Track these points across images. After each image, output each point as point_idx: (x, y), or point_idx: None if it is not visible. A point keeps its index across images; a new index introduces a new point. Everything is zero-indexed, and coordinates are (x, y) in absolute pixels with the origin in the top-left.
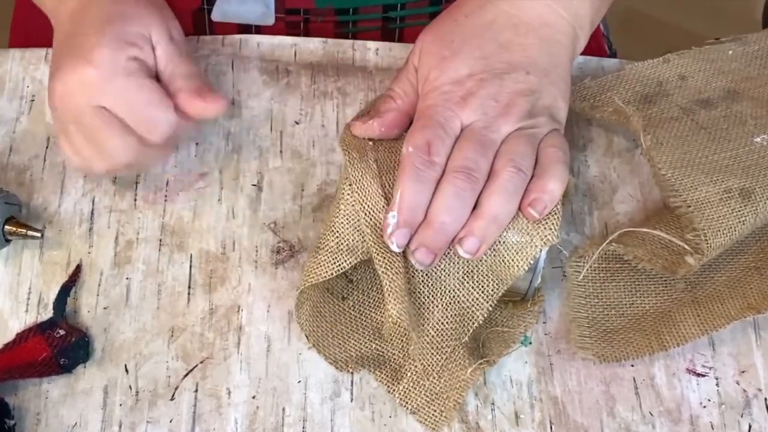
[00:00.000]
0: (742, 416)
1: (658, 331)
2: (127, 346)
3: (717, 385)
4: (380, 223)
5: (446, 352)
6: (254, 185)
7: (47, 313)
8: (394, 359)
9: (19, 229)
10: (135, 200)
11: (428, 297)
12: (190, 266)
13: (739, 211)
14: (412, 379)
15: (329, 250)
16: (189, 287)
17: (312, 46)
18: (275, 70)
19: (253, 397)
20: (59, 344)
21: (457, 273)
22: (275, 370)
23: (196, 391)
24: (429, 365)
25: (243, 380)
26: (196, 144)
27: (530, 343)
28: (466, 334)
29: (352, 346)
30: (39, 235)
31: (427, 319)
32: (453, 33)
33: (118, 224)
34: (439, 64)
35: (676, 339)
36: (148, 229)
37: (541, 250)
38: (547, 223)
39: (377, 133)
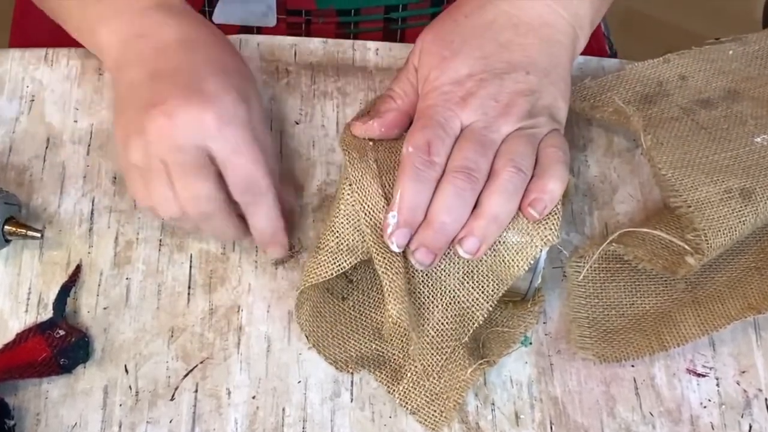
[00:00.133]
0: (742, 416)
1: (659, 332)
2: (127, 347)
3: (717, 385)
4: (380, 223)
5: (446, 352)
6: None
7: (47, 314)
8: (394, 359)
9: (19, 230)
10: (135, 200)
11: (428, 297)
12: (190, 266)
13: (740, 211)
14: (412, 379)
15: (329, 250)
16: (189, 287)
17: (312, 46)
18: (275, 70)
19: (253, 398)
20: (59, 344)
21: (457, 273)
22: (275, 370)
23: (196, 391)
24: (429, 365)
25: (243, 380)
26: None
27: (530, 343)
28: (466, 335)
29: (352, 347)
30: (39, 235)
31: (427, 319)
32: (453, 33)
33: (118, 224)
34: (439, 64)
35: (677, 339)
36: (148, 229)
37: (541, 250)
38: (547, 223)
39: (377, 133)
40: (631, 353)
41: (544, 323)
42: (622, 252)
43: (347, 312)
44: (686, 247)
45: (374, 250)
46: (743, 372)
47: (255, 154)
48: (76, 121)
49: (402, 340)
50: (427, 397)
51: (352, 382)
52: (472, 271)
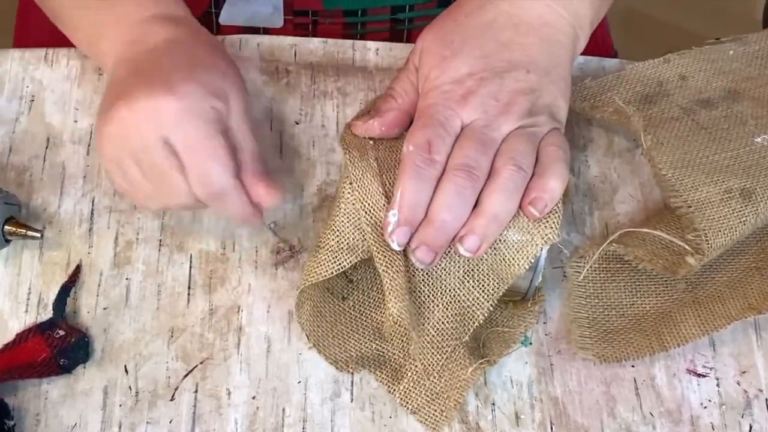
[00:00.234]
0: (742, 417)
1: (659, 332)
2: (126, 347)
3: (718, 385)
4: (381, 222)
5: (447, 351)
6: None
7: (47, 314)
8: (395, 359)
9: (19, 230)
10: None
11: (429, 296)
12: (190, 267)
13: (740, 211)
14: (413, 378)
15: (330, 249)
16: (189, 288)
17: (312, 46)
18: (275, 70)
19: (253, 398)
20: (59, 345)
21: (458, 272)
22: (275, 370)
23: (196, 391)
24: (429, 365)
25: (243, 381)
26: None
27: (531, 343)
28: (466, 334)
29: (352, 346)
30: (39, 235)
31: (428, 318)
32: (453, 33)
33: (118, 224)
34: (439, 63)
35: (677, 339)
36: (148, 230)
37: (541, 249)
38: (547, 221)
39: (378, 132)
40: (632, 353)
41: (544, 323)
42: (623, 252)
43: (347, 312)
44: (686, 247)
45: (375, 249)
46: (743, 372)
47: (214, 149)
48: (76, 121)
49: (402, 340)
50: (428, 396)
51: (352, 382)
52: (472, 270)
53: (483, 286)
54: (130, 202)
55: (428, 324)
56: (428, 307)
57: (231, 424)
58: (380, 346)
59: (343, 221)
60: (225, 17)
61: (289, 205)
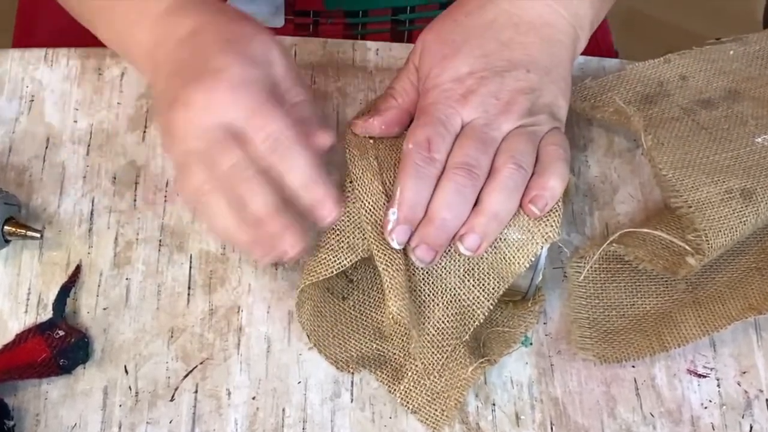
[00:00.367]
0: (743, 417)
1: (659, 332)
2: (126, 347)
3: (718, 385)
4: (381, 220)
5: (447, 350)
6: None
7: (47, 314)
8: (395, 359)
9: (19, 230)
10: (134, 201)
11: (429, 295)
12: (190, 267)
13: (741, 211)
14: (413, 378)
15: (330, 248)
16: (189, 288)
17: (312, 46)
18: None
19: (253, 398)
20: (59, 345)
21: (458, 271)
22: (275, 370)
23: (196, 391)
24: (430, 364)
25: (243, 381)
26: None
27: (531, 343)
28: (466, 333)
29: (352, 346)
30: (38, 235)
31: (428, 317)
32: (454, 32)
33: (118, 225)
34: (439, 62)
35: (677, 340)
36: (148, 230)
37: (542, 248)
38: (548, 220)
39: (378, 131)
40: (632, 354)
41: (544, 324)
42: (623, 252)
43: (348, 312)
44: (687, 247)
45: (375, 248)
46: (744, 372)
47: (271, 110)
48: (75, 121)
49: (403, 339)
50: (428, 396)
51: (352, 382)
52: (472, 269)
53: (483, 285)
54: (130, 202)
55: (428, 323)
56: (428, 306)
57: (231, 425)
58: (380, 345)
59: (343, 220)
60: None
61: None
